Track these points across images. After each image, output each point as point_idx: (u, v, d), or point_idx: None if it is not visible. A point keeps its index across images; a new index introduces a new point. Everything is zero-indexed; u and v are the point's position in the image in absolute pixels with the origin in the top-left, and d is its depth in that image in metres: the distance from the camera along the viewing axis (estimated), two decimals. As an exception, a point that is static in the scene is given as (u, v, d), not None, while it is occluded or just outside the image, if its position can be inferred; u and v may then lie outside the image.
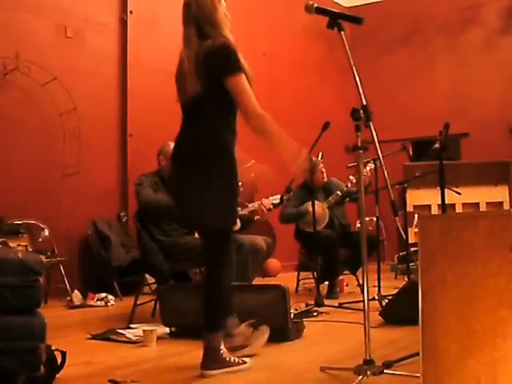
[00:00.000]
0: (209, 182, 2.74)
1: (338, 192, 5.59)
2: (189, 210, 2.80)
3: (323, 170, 5.75)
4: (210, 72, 2.70)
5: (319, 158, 5.73)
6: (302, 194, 5.62)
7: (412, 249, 5.83)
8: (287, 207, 5.58)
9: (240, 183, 4.96)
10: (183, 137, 2.87)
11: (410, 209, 6.87)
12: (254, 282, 4.54)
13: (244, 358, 2.88)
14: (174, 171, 2.91)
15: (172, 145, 4.52)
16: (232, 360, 2.80)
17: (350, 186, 5.53)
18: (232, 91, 2.70)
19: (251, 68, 2.85)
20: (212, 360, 2.76)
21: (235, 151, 2.90)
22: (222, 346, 2.81)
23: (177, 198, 2.92)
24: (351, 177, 5.49)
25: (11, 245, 4.94)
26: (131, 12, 6.80)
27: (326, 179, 5.81)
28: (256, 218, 4.87)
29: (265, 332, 3.20)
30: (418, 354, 2.05)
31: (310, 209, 5.18)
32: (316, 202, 5.53)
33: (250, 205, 4.88)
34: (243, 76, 2.71)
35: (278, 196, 4.87)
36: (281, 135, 2.81)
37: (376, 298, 4.51)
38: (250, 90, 2.73)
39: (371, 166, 5.05)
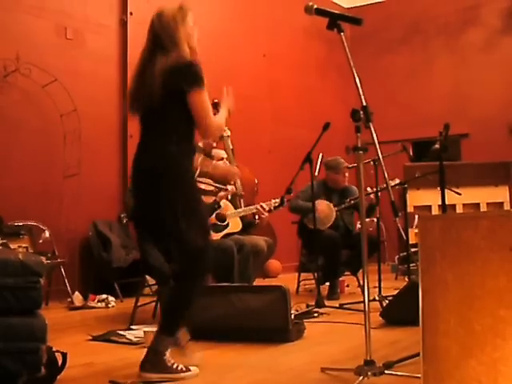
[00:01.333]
0: (164, 201, 2.76)
1: (351, 200, 5.58)
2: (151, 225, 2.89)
3: (346, 174, 5.73)
4: (170, 86, 2.74)
5: (319, 159, 5.73)
6: (319, 191, 5.57)
7: (412, 249, 5.83)
8: (299, 198, 5.56)
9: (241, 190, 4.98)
10: (139, 150, 2.93)
11: (410, 209, 6.87)
12: (254, 283, 4.55)
13: (190, 366, 2.82)
14: (134, 185, 2.96)
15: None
16: (175, 366, 2.76)
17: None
18: (192, 106, 2.75)
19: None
20: (152, 363, 2.74)
21: (192, 161, 2.94)
22: (168, 353, 2.77)
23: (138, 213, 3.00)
24: (368, 188, 5.42)
25: (12, 246, 4.94)
26: (131, 13, 6.80)
27: (346, 184, 5.78)
28: (257, 221, 4.88)
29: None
30: (418, 355, 2.05)
31: (320, 208, 5.17)
32: (326, 202, 5.54)
33: (247, 208, 4.89)
34: (204, 91, 2.76)
35: (279, 199, 4.88)
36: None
37: (377, 298, 4.52)
38: (209, 107, 2.79)
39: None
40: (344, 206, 5.59)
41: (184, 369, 2.78)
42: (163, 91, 2.73)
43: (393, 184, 5.11)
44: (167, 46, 2.79)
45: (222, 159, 5.11)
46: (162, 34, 2.81)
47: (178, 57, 2.76)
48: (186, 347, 2.96)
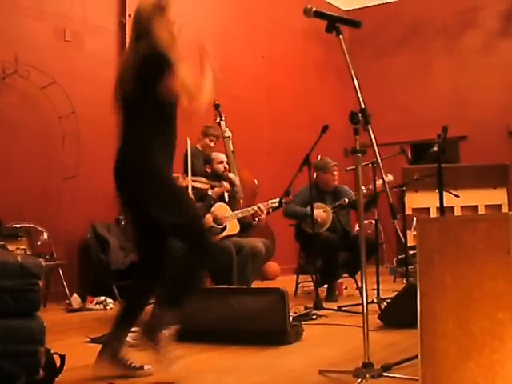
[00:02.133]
0: (145, 192, 2.81)
1: (346, 199, 5.58)
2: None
3: (335, 173, 5.74)
4: (141, 75, 2.77)
5: (318, 159, 5.74)
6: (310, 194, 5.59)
7: (411, 252, 5.83)
8: (293, 203, 5.56)
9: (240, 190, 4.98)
10: (119, 143, 2.93)
11: (408, 212, 6.87)
12: (252, 285, 4.55)
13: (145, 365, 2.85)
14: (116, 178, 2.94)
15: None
16: (129, 363, 2.83)
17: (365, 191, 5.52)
18: (164, 93, 2.74)
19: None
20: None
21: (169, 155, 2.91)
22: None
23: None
24: (363, 187, 5.44)
25: (10, 248, 4.93)
26: (130, 15, 6.78)
27: (336, 183, 5.79)
28: (254, 222, 4.88)
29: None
30: (416, 357, 2.06)
31: (315, 213, 5.17)
32: (321, 205, 5.55)
33: (245, 209, 4.89)
34: (169, 77, 2.74)
35: (277, 200, 4.88)
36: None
37: (375, 301, 4.51)
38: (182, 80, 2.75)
39: (383, 179, 5.00)
40: (338, 205, 5.58)
41: (137, 366, 2.82)
42: (135, 83, 2.78)
43: (387, 180, 5.08)
44: (141, 36, 2.86)
45: (222, 162, 5.12)
46: (137, 26, 2.91)
47: (150, 49, 2.80)
48: (165, 346, 2.92)
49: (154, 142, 2.82)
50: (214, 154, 5.32)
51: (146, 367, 2.84)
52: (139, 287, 3.02)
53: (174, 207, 2.82)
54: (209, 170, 5.17)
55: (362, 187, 5.32)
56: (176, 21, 2.96)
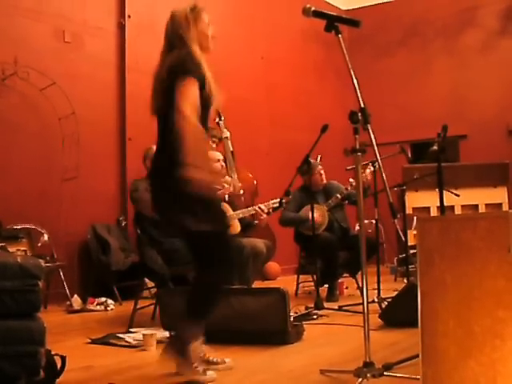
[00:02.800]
0: (180, 193, 2.72)
1: (338, 195, 5.59)
2: (169, 218, 2.88)
3: (322, 172, 5.76)
4: (170, 81, 2.73)
5: (318, 160, 5.73)
6: (302, 197, 5.62)
7: (411, 251, 5.83)
8: (287, 210, 5.58)
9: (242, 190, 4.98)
10: (156, 151, 2.94)
11: (409, 211, 6.86)
12: (253, 286, 4.54)
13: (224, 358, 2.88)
14: (151, 184, 2.95)
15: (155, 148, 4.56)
16: (210, 358, 2.85)
17: (349, 188, 5.53)
18: (176, 93, 2.67)
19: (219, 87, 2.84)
20: (176, 348, 2.75)
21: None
22: (192, 347, 2.79)
23: (158, 211, 2.97)
24: (351, 179, 5.49)
25: (10, 250, 4.93)
26: (129, 16, 6.81)
27: (325, 181, 5.81)
28: (255, 222, 4.87)
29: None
30: (417, 356, 2.06)
31: (311, 215, 5.17)
32: (316, 206, 5.54)
33: (246, 209, 4.89)
34: (192, 80, 2.69)
35: (278, 200, 4.88)
36: (190, 151, 2.61)
37: (376, 300, 4.51)
38: (192, 95, 2.68)
39: (371, 168, 5.04)
40: (333, 204, 5.59)
41: (201, 371, 2.77)
42: (167, 90, 2.73)
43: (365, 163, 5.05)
44: (176, 46, 2.82)
45: (219, 161, 5.11)
46: (172, 35, 2.85)
47: (178, 53, 2.78)
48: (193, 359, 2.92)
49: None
50: (210, 153, 5.30)
51: (227, 360, 2.88)
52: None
53: (207, 216, 2.76)
54: None
55: (351, 180, 5.35)
56: (210, 26, 2.94)
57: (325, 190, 5.79)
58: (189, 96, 2.67)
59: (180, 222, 2.80)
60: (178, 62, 2.75)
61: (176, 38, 2.83)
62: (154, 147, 4.49)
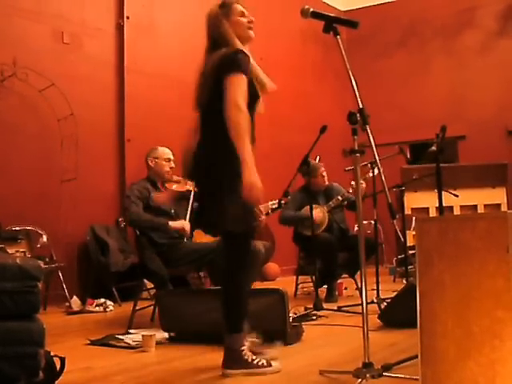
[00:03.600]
0: (220, 188, 2.81)
1: (339, 197, 5.60)
2: (208, 215, 2.91)
3: (324, 174, 5.76)
4: (218, 79, 2.77)
5: (317, 161, 5.74)
6: (303, 197, 5.62)
7: (410, 252, 5.83)
8: (287, 209, 5.58)
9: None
10: (198, 146, 2.94)
11: (408, 212, 6.88)
12: (252, 286, 4.54)
13: (271, 361, 2.88)
14: (196, 180, 3.02)
15: (160, 148, 4.57)
16: (256, 362, 2.82)
17: (350, 191, 5.54)
18: (225, 88, 2.73)
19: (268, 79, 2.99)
20: (232, 359, 2.81)
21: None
22: (245, 347, 2.83)
23: (198, 203, 3.03)
24: (353, 182, 5.49)
25: (9, 251, 4.93)
26: (128, 17, 6.81)
27: (327, 183, 5.81)
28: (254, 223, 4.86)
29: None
30: (416, 357, 2.06)
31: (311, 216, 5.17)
32: (316, 206, 5.55)
33: None
34: (242, 76, 2.76)
35: (276, 201, 4.88)
36: (245, 151, 2.71)
37: (375, 301, 4.51)
38: (243, 88, 2.75)
39: (370, 174, 5.00)
40: (334, 205, 5.59)
41: (266, 364, 2.83)
42: (213, 86, 2.79)
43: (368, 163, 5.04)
44: (219, 43, 2.86)
45: None
46: (211, 34, 2.92)
47: (225, 50, 2.83)
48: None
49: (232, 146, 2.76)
50: None
51: (273, 364, 2.88)
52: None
53: (243, 214, 2.82)
54: None
55: (352, 182, 5.34)
56: (247, 14, 2.96)
57: (326, 192, 5.79)
58: (241, 89, 2.74)
59: (222, 221, 2.83)
60: (227, 60, 2.79)
61: (216, 36, 2.88)
62: (159, 147, 4.53)
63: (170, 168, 4.47)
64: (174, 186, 4.41)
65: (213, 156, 2.85)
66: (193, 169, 2.95)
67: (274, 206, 4.91)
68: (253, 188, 2.72)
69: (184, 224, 4.26)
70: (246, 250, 2.90)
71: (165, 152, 4.50)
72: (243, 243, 2.89)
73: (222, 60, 2.79)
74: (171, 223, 4.24)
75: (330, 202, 5.62)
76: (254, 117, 2.94)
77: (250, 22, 2.95)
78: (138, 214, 4.23)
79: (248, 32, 2.95)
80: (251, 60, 2.88)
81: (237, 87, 2.74)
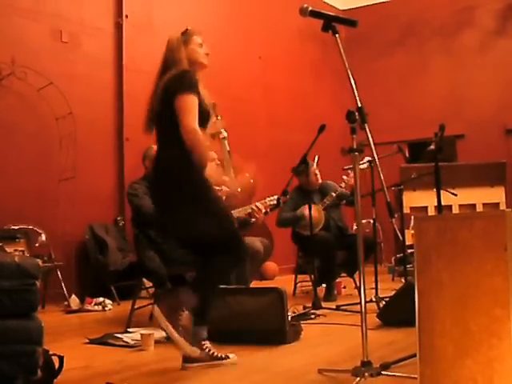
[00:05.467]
0: (180, 201, 2.94)
1: (333, 193, 5.59)
2: (174, 228, 3.08)
3: (317, 172, 5.76)
4: (167, 97, 2.95)
5: (315, 160, 5.74)
6: (298, 197, 5.63)
7: (409, 250, 5.83)
8: (283, 211, 5.59)
9: (239, 189, 4.99)
10: (155, 160, 3.15)
11: (406, 210, 6.88)
12: (251, 285, 4.54)
13: (228, 354, 2.98)
14: (153, 194, 3.23)
15: (155, 148, 4.61)
16: (215, 354, 2.92)
17: (343, 185, 5.53)
18: (177, 108, 2.90)
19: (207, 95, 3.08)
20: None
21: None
22: (206, 340, 2.92)
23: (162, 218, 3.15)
24: (344, 177, 5.49)
25: (8, 250, 4.93)
26: (127, 16, 6.80)
27: (320, 181, 5.81)
28: (252, 220, 4.87)
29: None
30: (415, 355, 2.06)
31: (306, 212, 5.18)
32: (314, 205, 5.55)
33: (242, 208, 4.89)
34: (192, 96, 2.91)
35: (275, 197, 4.88)
36: (206, 158, 3.03)
37: (373, 300, 4.52)
38: (194, 109, 2.90)
39: (364, 166, 4.96)
40: (329, 202, 5.59)
41: (223, 356, 2.95)
42: (164, 103, 2.97)
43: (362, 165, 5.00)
44: (170, 66, 3.04)
45: (213, 160, 5.11)
46: (166, 56, 3.09)
47: (175, 70, 2.99)
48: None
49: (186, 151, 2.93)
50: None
51: (230, 356, 2.98)
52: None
53: (213, 220, 2.94)
54: None
55: (344, 177, 5.34)
56: (204, 46, 3.17)
57: (320, 190, 5.79)
58: (191, 110, 2.90)
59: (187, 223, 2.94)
60: (176, 80, 2.96)
61: (170, 59, 3.06)
62: (154, 147, 4.52)
63: None
64: None
65: (167, 170, 3.00)
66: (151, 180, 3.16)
67: (271, 203, 4.90)
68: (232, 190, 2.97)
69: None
70: (234, 257, 2.98)
71: None
72: (227, 251, 2.94)
73: (173, 79, 2.97)
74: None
75: (325, 200, 5.61)
76: (205, 134, 3.08)
77: (207, 53, 3.17)
78: (152, 208, 4.24)
79: (203, 60, 3.15)
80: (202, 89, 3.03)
81: (188, 109, 2.91)
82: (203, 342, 2.92)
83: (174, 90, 2.92)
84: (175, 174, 2.95)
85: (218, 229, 2.92)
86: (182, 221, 2.94)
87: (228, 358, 2.96)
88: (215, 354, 2.93)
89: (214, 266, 2.95)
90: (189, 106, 2.90)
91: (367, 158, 4.92)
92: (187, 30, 3.16)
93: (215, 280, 3.00)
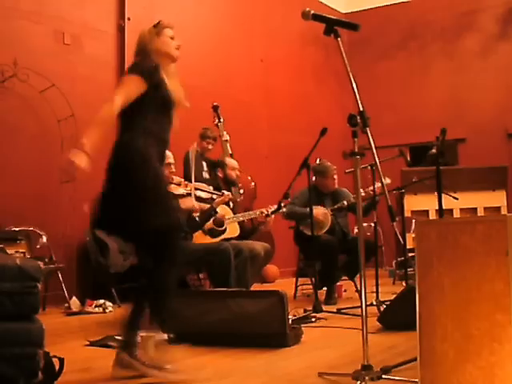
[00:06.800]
0: (127, 187, 2.96)
1: (345, 202, 5.61)
2: (115, 214, 3.01)
3: (335, 177, 5.77)
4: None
5: (317, 162, 5.75)
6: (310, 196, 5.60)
7: (410, 254, 5.82)
8: (293, 204, 5.58)
9: (241, 190, 4.99)
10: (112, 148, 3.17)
11: (407, 214, 6.87)
12: (252, 288, 4.55)
13: (165, 364, 2.85)
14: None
15: None
16: (147, 363, 2.83)
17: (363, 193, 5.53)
18: None
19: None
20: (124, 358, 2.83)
21: (157, 153, 3.03)
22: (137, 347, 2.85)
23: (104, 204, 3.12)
24: (362, 190, 5.46)
25: (9, 252, 4.93)
26: (129, 19, 6.81)
27: (336, 186, 5.82)
28: (261, 227, 4.90)
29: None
30: (416, 359, 2.06)
31: (316, 213, 5.18)
32: (320, 207, 5.56)
33: (246, 213, 4.91)
34: (135, 76, 2.96)
35: (275, 207, 4.90)
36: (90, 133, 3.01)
37: (374, 303, 4.52)
38: (129, 86, 2.96)
39: (378, 184, 4.92)
40: (337, 207, 5.59)
41: (157, 365, 2.82)
42: None
43: (385, 183, 5.02)
44: (142, 57, 3.10)
45: (234, 169, 5.22)
46: (138, 48, 3.16)
47: (136, 60, 3.07)
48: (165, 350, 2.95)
49: (145, 141, 2.96)
50: (228, 160, 5.38)
51: (167, 366, 2.87)
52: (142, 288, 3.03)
53: (158, 210, 2.89)
54: (220, 175, 5.21)
55: (361, 190, 5.34)
56: (175, 39, 3.19)
57: (333, 195, 5.80)
58: (126, 86, 2.97)
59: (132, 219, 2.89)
60: (130, 67, 3.04)
61: (141, 51, 3.12)
62: None
63: (170, 172, 4.45)
64: (174, 188, 4.42)
65: (121, 154, 3.07)
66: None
67: (273, 209, 4.92)
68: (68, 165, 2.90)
69: (193, 202, 4.27)
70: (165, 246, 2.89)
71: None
72: (163, 240, 2.87)
73: (129, 68, 3.05)
74: (181, 203, 4.26)
75: (335, 206, 5.62)
76: (168, 124, 3.09)
77: (178, 46, 3.19)
78: None
79: (174, 51, 3.16)
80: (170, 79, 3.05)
81: (122, 85, 2.99)
82: (134, 349, 2.83)
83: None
84: (126, 161, 2.99)
85: (161, 222, 2.86)
86: (130, 210, 2.89)
87: (164, 368, 2.83)
88: (147, 362, 2.83)
89: (157, 274, 2.91)
90: (124, 82, 2.99)
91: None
92: (159, 22, 3.20)
93: (159, 286, 2.92)
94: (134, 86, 2.94)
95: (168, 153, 4.51)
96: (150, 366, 2.81)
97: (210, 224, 4.63)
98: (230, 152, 6.16)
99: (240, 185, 5.66)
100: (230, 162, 5.36)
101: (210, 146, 5.75)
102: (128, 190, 2.93)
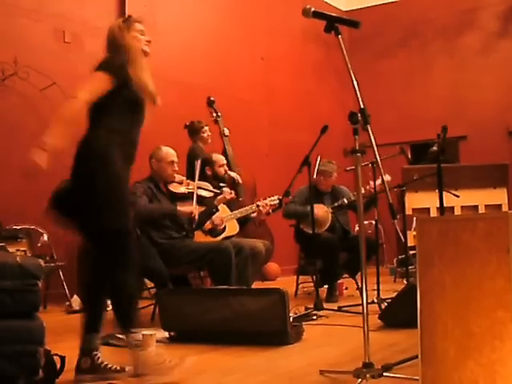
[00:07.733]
0: (89, 184, 2.93)
1: (345, 200, 5.61)
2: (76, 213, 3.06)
3: (335, 174, 5.79)
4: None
5: (317, 162, 5.75)
6: (309, 194, 5.61)
7: (411, 252, 5.83)
8: (292, 203, 5.58)
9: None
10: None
11: (408, 212, 6.85)
12: (253, 286, 4.55)
13: (125, 366, 2.80)
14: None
15: (164, 149, 4.57)
16: (108, 366, 2.78)
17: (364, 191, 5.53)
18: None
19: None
20: (85, 364, 2.78)
21: (121, 152, 2.98)
22: (99, 351, 2.81)
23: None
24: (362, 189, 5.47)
25: (10, 250, 4.93)
26: (130, 16, 6.80)
27: (334, 184, 5.84)
28: (254, 215, 4.89)
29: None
30: (417, 357, 2.06)
31: (315, 211, 5.19)
32: (321, 205, 5.56)
33: (243, 209, 4.91)
34: (102, 73, 2.92)
35: (276, 197, 4.89)
36: (51, 130, 2.98)
37: (375, 301, 4.51)
38: (96, 83, 2.93)
39: (379, 181, 4.93)
40: (337, 205, 5.60)
41: (119, 368, 2.78)
42: None
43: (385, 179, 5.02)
44: (112, 52, 3.10)
45: (223, 165, 5.17)
46: (108, 43, 3.18)
47: (105, 56, 3.04)
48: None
49: (109, 138, 2.93)
50: (215, 156, 5.33)
51: (127, 369, 2.81)
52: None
53: (113, 212, 2.86)
54: (209, 173, 5.18)
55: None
56: (145, 35, 3.17)
57: (333, 193, 5.80)
58: (92, 84, 2.94)
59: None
60: (99, 63, 2.98)
61: (112, 46, 3.12)
62: (161, 147, 4.53)
63: (173, 171, 4.45)
64: (176, 187, 4.42)
65: (80, 153, 3.07)
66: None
67: (273, 203, 4.92)
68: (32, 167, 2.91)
69: (192, 209, 4.26)
70: (121, 249, 2.84)
71: (168, 154, 4.45)
72: (117, 241, 2.83)
73: (97, 64, 2.98)
74: (179, 208, 4.26)
75: (336, 204, 5.62)
76: (137, 123, 3.04)
77: (148, 41, 3.15)
78: (145, 206, 4.24)
79: (145, 47, 3.13)
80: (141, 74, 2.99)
81: (88, 81, 2.94)
82: (95, 353, 2.79)
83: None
84: (85, 160, 2.99)
85: (114, 224, 2.83)
86: (85, 208, 2.93)
87: (124, 370, 2.79)
88: (108, 365, 2.80)
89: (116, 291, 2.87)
90: (90, 79, 2.93)
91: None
92: (129, 17, 3.20)
93: (115, 290, 2.88)
94: (99, 84, 2.89)
95: (172, 151, 4.50)
96: (114, 370, 2.77)
97: (208, 225, 4.64)
98: (230, 149, 6.14)
99: (240, 180, 5.66)
100: (217, 157, 5.32)
101: (207, 134, 5.71)
102: (85, 189, 2.92)
